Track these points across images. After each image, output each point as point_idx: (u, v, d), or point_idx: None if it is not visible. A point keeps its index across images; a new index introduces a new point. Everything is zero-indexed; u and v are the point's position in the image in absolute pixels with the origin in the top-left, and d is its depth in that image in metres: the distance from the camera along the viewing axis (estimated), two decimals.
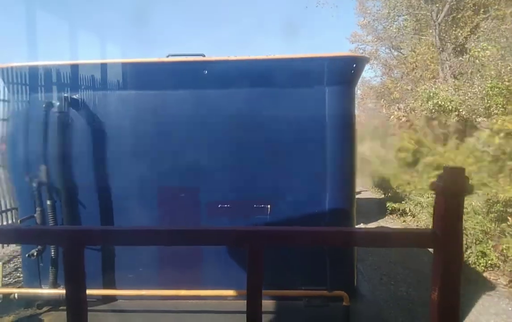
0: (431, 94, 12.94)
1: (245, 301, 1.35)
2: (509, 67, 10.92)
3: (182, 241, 1.80)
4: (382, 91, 22.86)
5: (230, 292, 3.92)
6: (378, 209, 14.30)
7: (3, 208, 5.29)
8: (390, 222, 13.59)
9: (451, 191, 1.29)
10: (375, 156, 20.03)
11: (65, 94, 4.05)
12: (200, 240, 1.78)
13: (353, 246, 4.58)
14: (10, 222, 5.16)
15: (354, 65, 4.05)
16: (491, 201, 9.27)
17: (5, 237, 1.91)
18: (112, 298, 4.13)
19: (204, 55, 4.18)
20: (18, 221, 4.46)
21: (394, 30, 22.37)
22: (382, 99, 21.34)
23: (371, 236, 1.42)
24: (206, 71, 4.03)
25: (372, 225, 12.59)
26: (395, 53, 24.40)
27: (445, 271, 1.28)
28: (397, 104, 17.44)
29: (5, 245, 7.38)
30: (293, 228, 1.42)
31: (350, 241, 1.73)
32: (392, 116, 15.11)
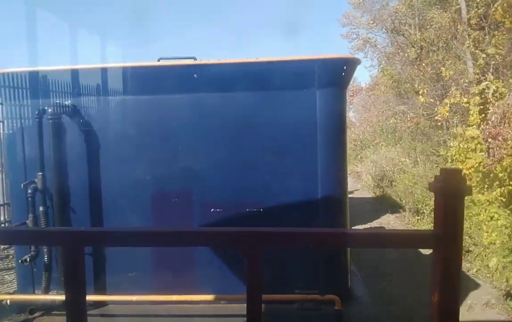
0: None
1: (240, 306, 1.35)
2: None
3: (179, 242, 1.80)
4: (412, 76, 16.50)
5: (225, 297, 3.91)
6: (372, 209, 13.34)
7: None
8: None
9: (450, 192, 1.31)
10: (400, 170, 13.37)
11: (57, 100, 4.06)
12: (196, 241, 1.78)
13: (354, 247, 4.61)
14: None
15: (345, 67, 4.06)
16: None
17: (5, 238, 1.89)
18: (103, 303, 4.10)
19: (195, 58, 4.19)
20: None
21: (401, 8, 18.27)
22: (417, 82, 15.12)
23: (372, 237, 1.42)
24: (196, 75, 4.04)
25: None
26: (398, 38, 19.83)
27: (445, 272, 1.29)
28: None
29: None
30: (293, 229, 1.42)
31: (351, 242, 1.74)
32: (440, 108, 10.12)
